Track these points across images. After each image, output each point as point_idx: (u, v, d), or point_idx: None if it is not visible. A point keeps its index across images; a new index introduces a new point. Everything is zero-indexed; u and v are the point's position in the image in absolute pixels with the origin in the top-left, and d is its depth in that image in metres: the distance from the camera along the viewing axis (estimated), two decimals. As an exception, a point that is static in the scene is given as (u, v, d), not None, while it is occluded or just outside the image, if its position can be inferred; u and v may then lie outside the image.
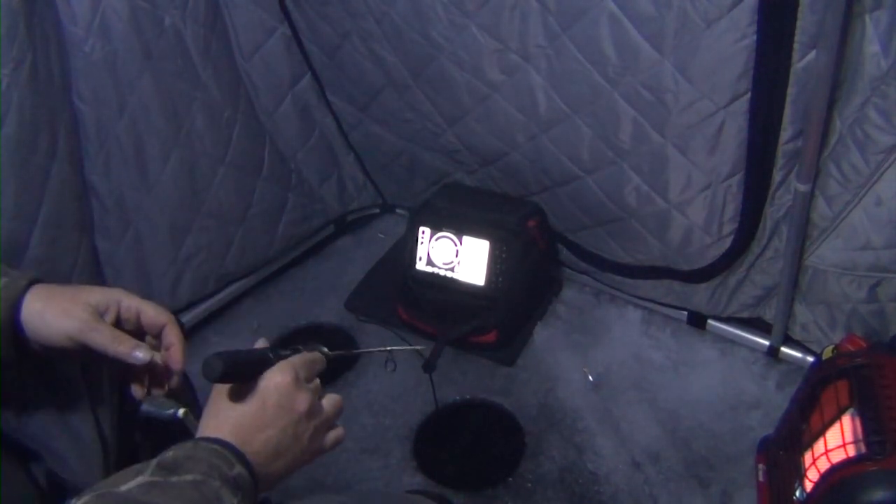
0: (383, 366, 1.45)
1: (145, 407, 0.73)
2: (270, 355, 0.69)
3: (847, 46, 0.95)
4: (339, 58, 1.50)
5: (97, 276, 1.43)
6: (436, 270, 1.54)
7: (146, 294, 1.51)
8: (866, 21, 0.92)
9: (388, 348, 1.06)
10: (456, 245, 1.51)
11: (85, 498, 0.53)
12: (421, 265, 1.55)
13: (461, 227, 1.50)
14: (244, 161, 1.56)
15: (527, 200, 1.56)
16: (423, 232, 1.54)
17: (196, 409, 0.71)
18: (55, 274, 1.32)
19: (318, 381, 0.71)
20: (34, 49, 1.15)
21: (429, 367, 1.44)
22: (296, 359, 0.69)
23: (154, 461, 0.57)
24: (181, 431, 0.72)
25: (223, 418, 0.64)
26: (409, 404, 1.47)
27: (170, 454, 0.58)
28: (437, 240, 1.52)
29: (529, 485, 1.30)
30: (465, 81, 1.33)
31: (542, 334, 1.59)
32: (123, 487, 0.54)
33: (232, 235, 1.61)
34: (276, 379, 0.66)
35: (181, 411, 0.71)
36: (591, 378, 1.48)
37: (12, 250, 1.23)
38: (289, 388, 0.66)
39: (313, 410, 0.68)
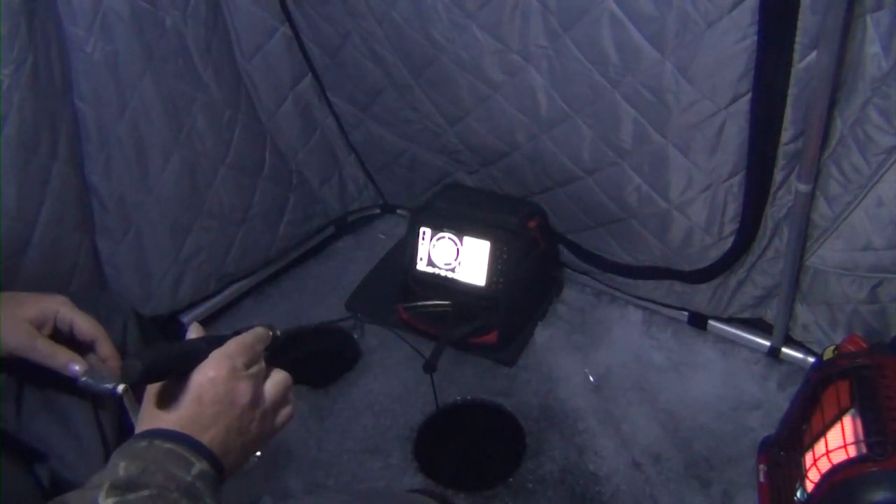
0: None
1: (84, 380, 0.71)
2: (203, 346, 0.64)
3: (848, 47, 0.95)
4: (341, 58, 1.50)
5: (97, 277, 1.43)
6: (436, 271, 1.54)
7: (147, 294, 1.53)
8: (867, 22, 0.92)
9: (360, 318, 0.96)
10: (457, 245, 1.51)
11: None
12: (422, 266, 1.55)
13: (462, 227, 1.50)
14: (245, 161, 1.56)
15: (527, 201, 1.56)
16: (424, 232, 1.53)
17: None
18: (55, 274, 1.32)
19: (261, 363, 0.67)
20: (35, 50, 1.15)
21: (429, 367, 1.43)
22: (230, 346, 0.64)
23: (105, 483, 0.53)
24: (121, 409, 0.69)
25: (160, 426, 0.60)
26: (410, 405, 1.47)
27: (121, 472, 0.55)
28: (437, 240, 1.52)
29: (530, 485, 1.30)
30: (466, 81, 1.33)
31: (542, 335, 1.59)
32: None
33: (233, 236, 1.62)
34: (209, 374, 0.62)
35: (120, 388, 0.69)
36: (591, 378, 1.48)
37: (12, 250, 1.23)
38: (225, 381, 0.62)
39: (256, 399, 0.64)
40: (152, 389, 0.62)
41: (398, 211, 1.97)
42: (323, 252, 1.90)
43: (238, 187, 1.57)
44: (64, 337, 0.77)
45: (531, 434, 1.39)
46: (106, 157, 1.34)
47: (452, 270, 1.52)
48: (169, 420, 0.60)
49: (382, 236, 1.94)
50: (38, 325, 0.75)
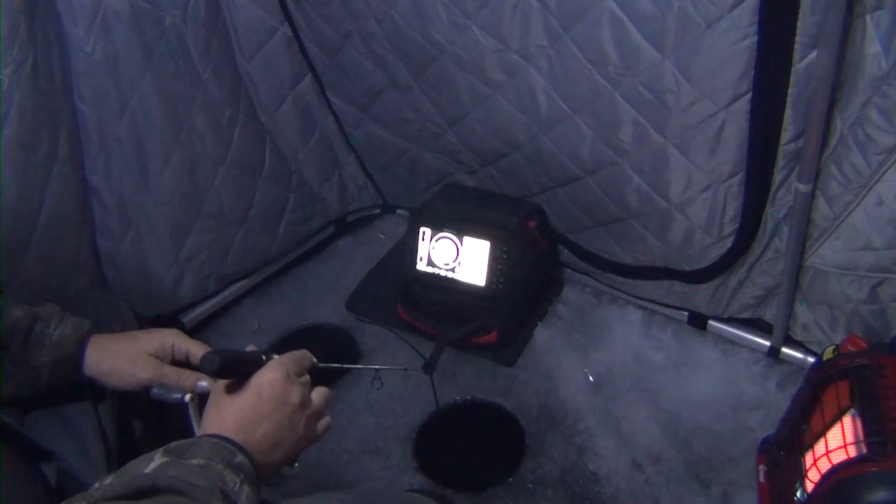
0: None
1: (155, 391, 0.80)
2: (262, 357, 0.74)
3: (848, 47, 0.95)
4: (340, 58, 1.50)
5: (97, 277, 1.43)
6: (436, 271, 1.54)
7: (147, 294, 1.53)
8: (867, 21, 0.92)
9: (377, 367, 1.10)
10: (457, 245, 1.51)
11: (108, 480, 0.56)
12: (421, 265, 1.55)
13: (462, 227, 1.50)
14: (245, 161, 1.56)
15: (527, 201, 1.56)
16: (424, 232, 1.53)
17: None
18: (55, 274, 1.32)
19: (307, 376, 0.76)
20: (35, 50, 1.16)
21: (429, 367, 1.43)
22: (284, 357, 0.75)
23: (159, 449, 0.61)
24: (183, 420, 0.77)
25: (225, 413, 0.69)
26: (410, 405, 1.47)
27: (174, 443, 0.62)
28: (437, 240, 1.52)
29: (530, 485, 1.30)
30: (465, 82, 1.33)
31: (542, 335, 1.59)
32: (145, 469, 0.58)
33: (232, 236, 1.62)
34: (268, 376, 0.71)
35: (188, 396, 0.79)
36: (591, 378, 1.48)
37: (13, 250, 1.23)
38: (281, 383, 0.71)
39: (305, 402, 0.73)
40: (220, 386, 0.71)
41: (398, 211, 1.97)
42: (323, 252, 1.90)
43: (238, 187, 1.57)
44: (181, 365, 0.85)
45: (531, 434, 1.39)
46: (106, 157, 1.34)
47: (452, 270, 1.52)
48: (232, 409, 0.69)
49: (382, 236, 1.94)
50: (160, 357, 0.84)
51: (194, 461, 0.60)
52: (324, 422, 0.77)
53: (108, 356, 0.83)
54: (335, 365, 0.88)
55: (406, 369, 1.41)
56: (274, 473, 0.73)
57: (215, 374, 0.68)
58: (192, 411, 0.78)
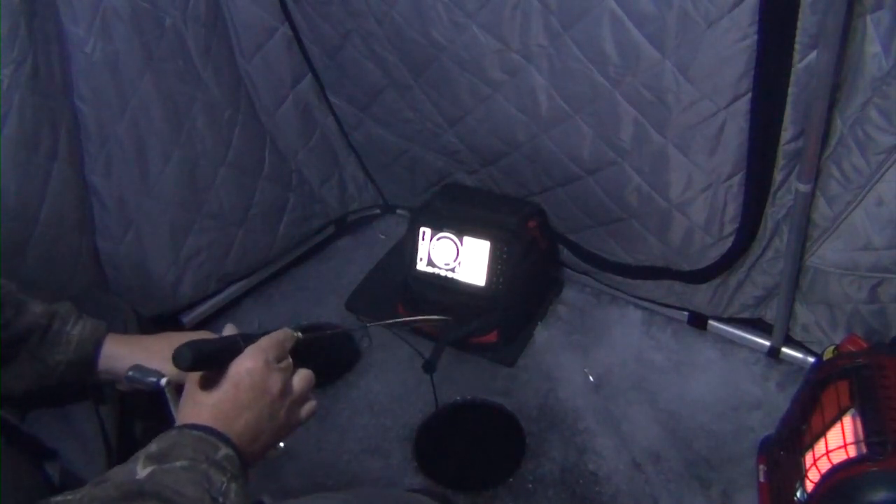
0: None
1: (131, 374, 0.77)
2: (240, 341, 0.70)
3: (848, 47, 0.95)
4: (340, 58, 1.50)
5: (98, 277, 1.43)
6: (436, 271, 1.54)
7: (147, 294, 1.52)
8: (867, 21, 0.92)
9: (367, 324, 1.04)
10: (457, 245, 1.51)
11: (98, 486, 0.55)
12: (422, 265, 1.55)
13: (462, 227, 1.50)
14: (245, 161, 1.56)
15: (527, 201, 1.56)
16: (424, 232, 1.53)
17: None
18: (55, 274, 1.32)
19: (289, 359, 0.73)
20: (35, 49, 1.16)
21: (429, 367, 1.44)
22: (263, 342, 0.71)
23: (140, 455, 0.59)
24: (160, 403, 0.75)
25: (201, 406, 0.66)
26: (410, 405, 1.47)
27: (154, 447, 0.60)
28: (437, 240, 1.52)
29: (530, 485, 1.30)
30: (466, 81, 1.33)
31: (542, 335, 1.59)
32: (132, 477, 0.56)
33: (233, 236, 1.62)
34: (246, 364, 0.68)
35: (163, 380, 0.76)
36: (591, 378, 1.48)
37: (13, 250, 1.23)
38: (260, 371, 0.68)
39: (286, 389, 0.70)
40: (194, 377, 0.68)
41: (398, 211, 1.97)
42: (323, 252, 1.90)
43: (238, 187, 1.57)
44: None
45: (531, 434, 1.39)
46: (106, 157, 1.34)
47: (452, 270, 1.52)
48: (208, 402, 0.66)
49: (382, 236, 1.94)
50: None
51: (178, 463, 0.58)
52: (308, 406, 0.74)
53: (125, 349, 0.83)
54: (320, 333, 0.84)
55: (395, 322, 1.38)
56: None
57: (189, 368, 0.65)
58: (169, 396, 0.75)
